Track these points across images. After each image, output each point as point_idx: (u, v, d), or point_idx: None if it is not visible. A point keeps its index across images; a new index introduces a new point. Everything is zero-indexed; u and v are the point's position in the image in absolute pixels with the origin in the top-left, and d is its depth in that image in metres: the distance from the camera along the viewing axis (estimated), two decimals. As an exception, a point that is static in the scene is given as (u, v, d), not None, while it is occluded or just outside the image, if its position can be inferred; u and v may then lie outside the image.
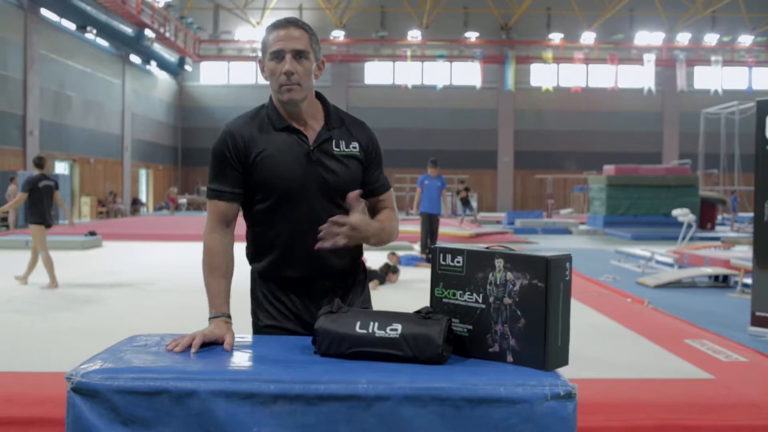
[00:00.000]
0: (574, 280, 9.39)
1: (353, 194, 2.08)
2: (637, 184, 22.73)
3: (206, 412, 1.63)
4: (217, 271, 2.14)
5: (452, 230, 18.03)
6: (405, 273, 9.61)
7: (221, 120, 39.36)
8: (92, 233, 14.65)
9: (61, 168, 26.93)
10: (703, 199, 22.61)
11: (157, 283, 8.94)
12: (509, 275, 1.79)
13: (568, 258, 1.80)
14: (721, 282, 10.07)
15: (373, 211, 2.29)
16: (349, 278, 2.27)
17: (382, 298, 7.38)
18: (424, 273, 10.32)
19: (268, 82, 2.19)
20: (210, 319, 2.05)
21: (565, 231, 22.77)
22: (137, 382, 1.65)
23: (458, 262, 1.88)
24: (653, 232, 19.93)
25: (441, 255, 1.91)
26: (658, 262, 12.23)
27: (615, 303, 7.49)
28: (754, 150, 6.79)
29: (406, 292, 8.31)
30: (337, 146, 2.20)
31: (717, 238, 18.14)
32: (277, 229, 2.18)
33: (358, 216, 2.06)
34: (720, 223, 25.64)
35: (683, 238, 14.40)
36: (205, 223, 2.20)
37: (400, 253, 11.15)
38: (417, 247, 11.90)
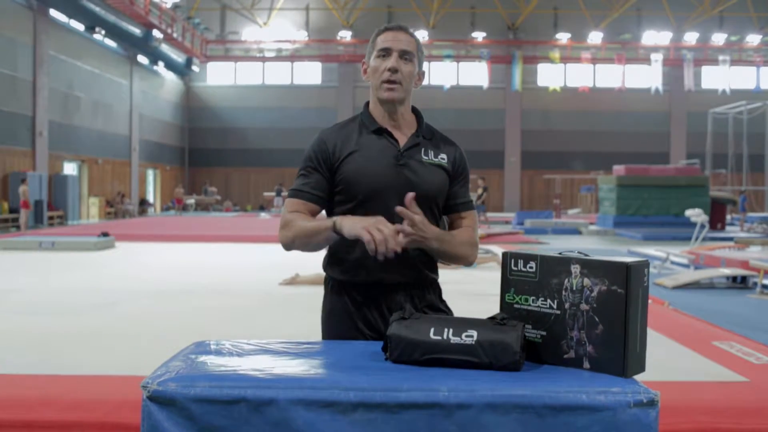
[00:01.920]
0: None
1: (409, 195, 2.00)
2: (647, 184, 22.67)
3: (285, 420, 1.61)
4: (312, 219, 2.16)
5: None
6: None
7: (228, 120, 39.55)
8: (105, 234, 14.66)
9: (69, 169, 27.00)
10: (713, 199, 22.55)
11: (177, 284, 8.92)
12: (586, 281, 1.76)
13: (646, 264, 1.77)
14: (740, 283, 10.04)
15: (452, 227, 2.30)
16: (426, 290, 2.25)
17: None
18: (440, 274, 10.29)
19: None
20: (336, 223, 2.03)
21: (575, 231, 22.73)
22: (214, 390, 1.63)
23: (531, 267, 1.86)
24: (664, 233, 19.88)
25: (512, 260, 1.89)
26: (673, 262, 12.19)
27: (636, 304, 7.45)
28: (762, 150, 6.76)
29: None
30: (426, 154, 2.22)
31: (729, 239, 18.08)
32: None
33: (418, 216, 2.01)
34: (730, 223, 25.57)
35: (696, 239, 14.35)
36: (281, 219, 2.20)
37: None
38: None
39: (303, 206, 2.18)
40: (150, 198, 35.29)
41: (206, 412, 1.63)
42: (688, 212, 14.23)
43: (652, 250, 13.30)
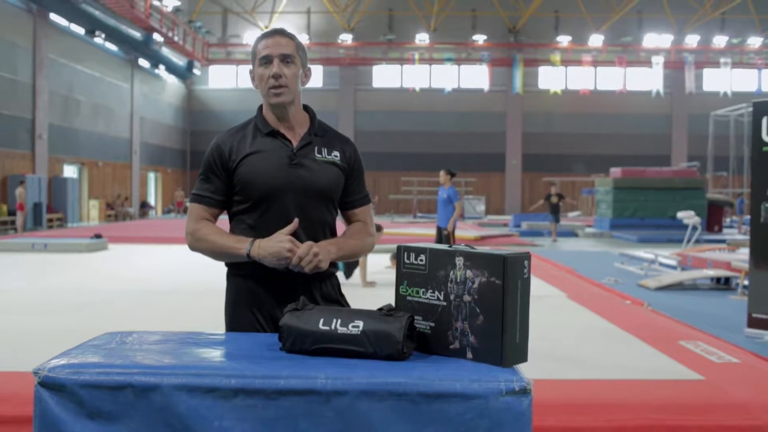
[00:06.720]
0: (574, 283, 9.41)
1: (295, 221, 2.17)
2: (643, 186, 22.68)
3: (169, 406, 1.67)
4: (221, 232, 2.26)
5: (458, 233, 18.00)
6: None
7: (230, 123, 39.18)
8: (98, 236, 14.75)
9: (69, 171, 27.13)
10: (710, 202, 22.54)
11: (158, 284, 9.01)
12: (469, 273, 1.82)
13: (526, 256, 1.82)
14: (723, 284, 10.05)
15: (349, 223, 2.41)
16: (324, 282, 2.32)
17: (383, 299, 7.38)
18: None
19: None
20: (251, 247, 2.15)
21: (572, 234, 22.73)
22: (102, 377, 1.69)
23: (421, 260, 1.91)
24: (660, 235, 19.89)
25: (405, 254, 1.95)
26: (661, 264, 12.21)
27: (613, 305, 7.49)
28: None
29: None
30: (319, 152, 2.30)
31: (723, 241, 18.09)
32: (255, 228, 2.25)
33: (305, 247, 2.14)
34: (728, 225, 25.53)
35: (688, 241, 14.37)
36: (186, 225, 2.31)
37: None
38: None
39: (206, 212, 2.29)
40: (151, 201, 35.42)
41: (94, 398, 1.68)
42: (680, 214, 14.24)
43: (642, 252, 13.31)
